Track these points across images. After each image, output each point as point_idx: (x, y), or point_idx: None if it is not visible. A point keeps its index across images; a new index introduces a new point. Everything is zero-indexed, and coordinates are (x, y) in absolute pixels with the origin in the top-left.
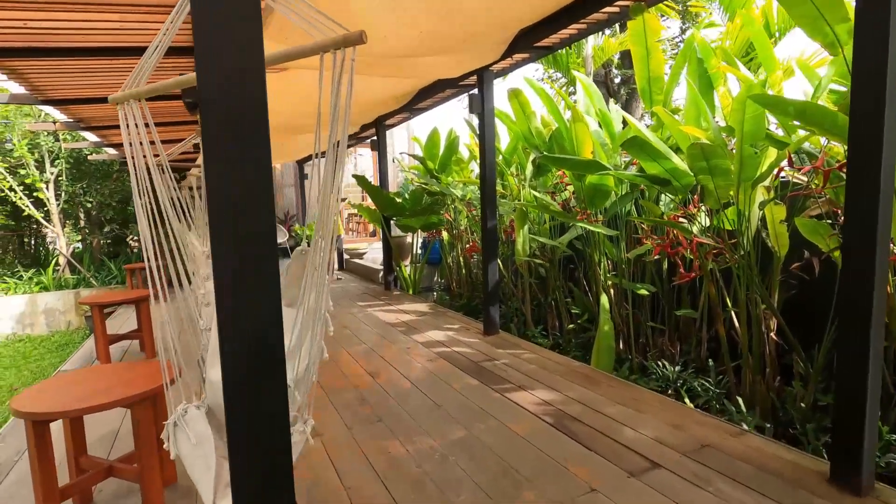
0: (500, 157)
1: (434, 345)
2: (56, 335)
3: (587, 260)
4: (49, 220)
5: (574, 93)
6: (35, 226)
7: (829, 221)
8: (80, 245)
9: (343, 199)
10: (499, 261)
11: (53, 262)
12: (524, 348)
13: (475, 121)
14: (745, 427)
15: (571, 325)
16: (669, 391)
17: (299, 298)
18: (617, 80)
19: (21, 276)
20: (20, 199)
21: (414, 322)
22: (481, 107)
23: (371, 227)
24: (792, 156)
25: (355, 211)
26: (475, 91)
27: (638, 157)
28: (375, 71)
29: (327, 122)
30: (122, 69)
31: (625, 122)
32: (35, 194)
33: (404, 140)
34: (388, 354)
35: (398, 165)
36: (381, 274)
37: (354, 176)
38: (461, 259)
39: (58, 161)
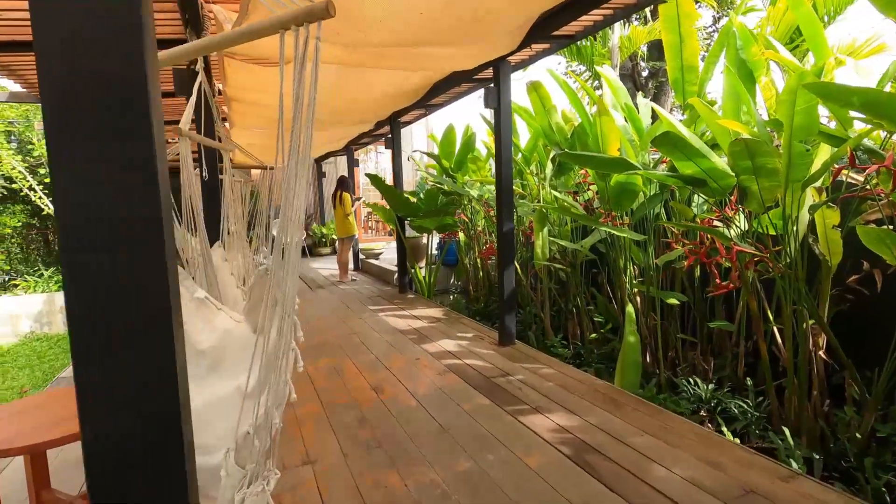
0: (519, 154)
1: (445, 356)
2: None
3: (611, 265)
4: None
5: (599, 87)
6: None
7: (892, 228)
8: None
9: (358, 199)
10: (517, 265)
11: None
12: (542, 362)
13: (492, 116)
14: (795, 467)
15: (594, 335)
16: (702, 411)
17: (259, 328)
18: (644, 74)
19: (41, 274)
20: (40, 198)
21: (426, 329)
22: (497, 101)
23: (389, 226)
24: (853, 153)
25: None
26: (492, 85)
27: (671, 154)
28: (384, 63)
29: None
30: None
31: (654, 117)
32: None
33: (423, 138)
34: (395, 366)
35: (415, 164)
36: (395, 276)
37: (368, 175)
38: (478, 261)
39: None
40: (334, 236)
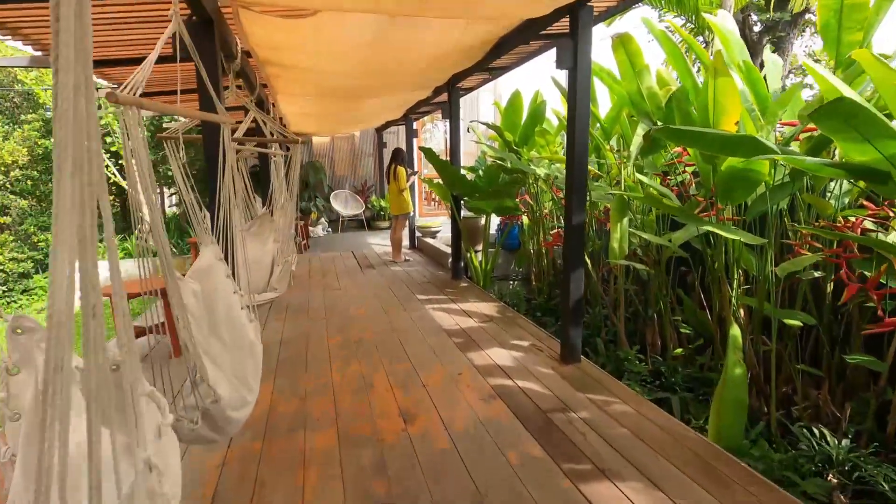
0: (597, 126)
1: (493, 372)
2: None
3: (708, 267)
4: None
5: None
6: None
7: None
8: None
9: (414, 173)
10: (587, 259)
11: (137, 229)
12: (614, 393)
13: (565, 80)
14: None
15: (679, 350)
16: (831, 477)
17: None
18: (757, 28)
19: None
20: (106, 166)
21: (475, 331)
22: (573, 59)
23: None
24: None
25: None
26: (568, 39)
27: (836, 133)
28: (431, 9)
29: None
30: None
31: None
32: (121, 162)
33: (490, 108)
34: (433, 381)
35: (474, 135)
36: (450, 260)
37: (421, 148)
38: (542, 248)
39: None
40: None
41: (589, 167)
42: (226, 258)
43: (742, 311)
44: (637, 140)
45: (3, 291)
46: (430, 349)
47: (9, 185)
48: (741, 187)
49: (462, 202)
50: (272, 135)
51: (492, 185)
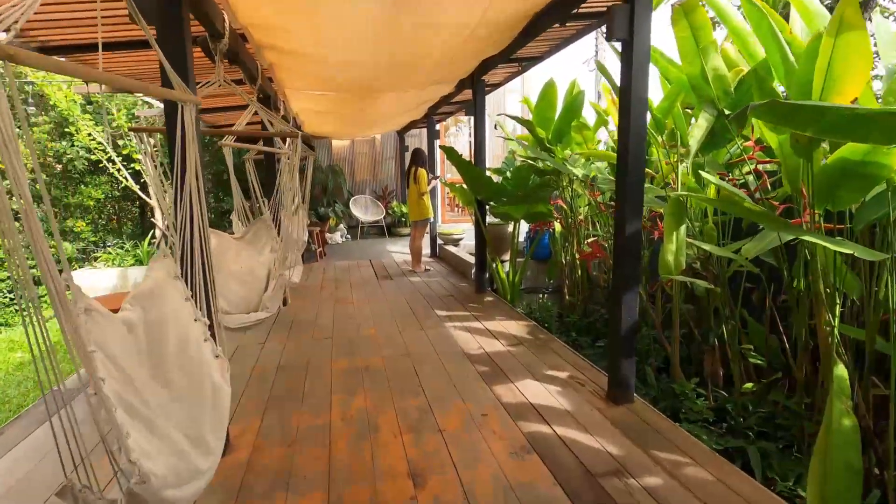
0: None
1: (526, 413)
2: None
3: (788, 288)
4: (148, 193)
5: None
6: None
7: None
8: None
9: (436, 177)
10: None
11: (150, 235)
12: (683, 450)
13: (610, 62)
14: None
15: (750, 385)
16: None
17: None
18: None
19: (122, 246)
20: (118, 170)
21: (503, 357)
22: (629, 28)
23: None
24: None
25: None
26: (623, 2)
27: None
28: None
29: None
30: None
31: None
32: (132, 165)
33: (517, 106)
34: (451, 425)
35: (502, 134)
36: (474, 270)
37: (442, 147)
38: (577, 258)
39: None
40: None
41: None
42: (188, 271)
43: (840, 345)
44: (698, 132)
45: (10, 300)
46: (449, 380)
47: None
48: (852, 187)
49: (487, 207)
50: (272, 128)
51: (521, 188)
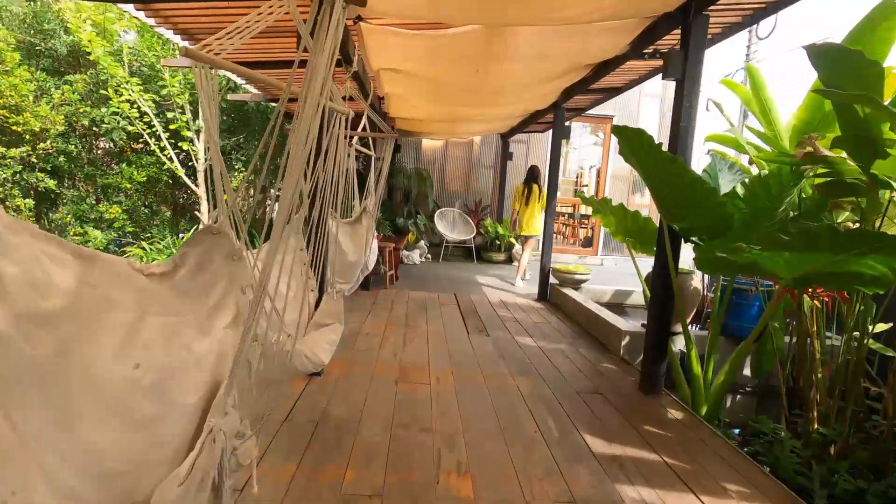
0: None
1: None
2: None
3: None
4: (194, 178)
5: None
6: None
7: None
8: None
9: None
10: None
11: (195, 227)
12: None
13: None
14: None
15: None
16: None
17: None
18: None
19: (159, 239)
20: (163, 148)
21: None
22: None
23: (585, 231)
24: None
25: (573, 209)
26: None
27: None
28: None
29: None
30: None
31: None
32: (180, 144)
33: (651, 110)
34: None
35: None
36: (625, 341)
37: (615, 129)
38: (818, 347)
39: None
40: (512, 239)
41: None
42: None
43: None
44: None
45: None
46: None
47: (35, 161)
48: None
49: (685, 242)
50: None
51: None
